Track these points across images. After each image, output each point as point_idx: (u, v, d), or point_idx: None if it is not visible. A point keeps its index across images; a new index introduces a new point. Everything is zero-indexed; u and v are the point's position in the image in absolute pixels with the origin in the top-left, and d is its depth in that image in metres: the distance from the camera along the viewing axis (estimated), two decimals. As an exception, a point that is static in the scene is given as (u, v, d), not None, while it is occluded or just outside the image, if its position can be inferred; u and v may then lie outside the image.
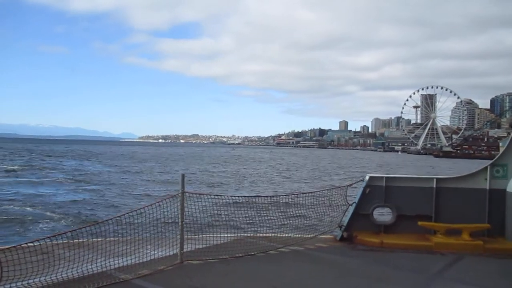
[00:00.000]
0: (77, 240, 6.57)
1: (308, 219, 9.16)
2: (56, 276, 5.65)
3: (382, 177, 9.20)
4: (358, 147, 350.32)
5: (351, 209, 8.95)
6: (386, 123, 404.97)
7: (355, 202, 8.98)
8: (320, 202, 9.17)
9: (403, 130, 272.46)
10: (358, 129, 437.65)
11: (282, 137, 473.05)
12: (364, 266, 7.23)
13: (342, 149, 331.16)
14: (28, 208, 21.17)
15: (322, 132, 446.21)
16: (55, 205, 22.44)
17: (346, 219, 8.93)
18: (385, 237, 8.71)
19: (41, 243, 5.90)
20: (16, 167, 50.13)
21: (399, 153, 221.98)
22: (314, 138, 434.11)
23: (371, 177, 9.13)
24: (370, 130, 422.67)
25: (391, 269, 7.08)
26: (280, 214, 8.77)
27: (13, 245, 5.49)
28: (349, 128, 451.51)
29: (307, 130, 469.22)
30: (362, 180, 9.16)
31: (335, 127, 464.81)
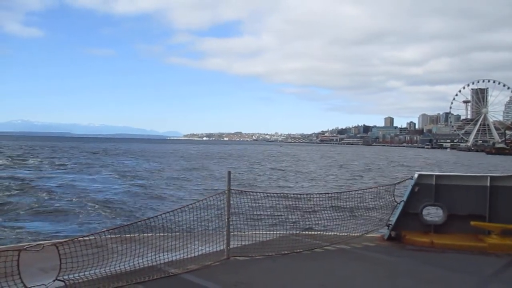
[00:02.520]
0: (128, 235, 6.82)
1: (354, 217, 9.02)
2: (109, 268, 5.89)
3: (432, 175, 8.88)
4: (404, 144, 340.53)
5: (399, 208, 8.73)
6: (434, 119, 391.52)
7: (403, 200, 8.75)
8: (367, 200, 9.02)
9: (452, 126, 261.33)
10: (404, 126, 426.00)
11: (326, 134, 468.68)
12: (413, 267, 7.04)
13: (388, 146, 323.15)
14: (81, 203, 22.12)
15: (366, 128, 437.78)
16: (105, 201, 23.32)
17: (394, 218, 8.72)
18: (435, 237, 8.43)
19: (95, 237, 6.17)
20: (68, 163, 52.60)
21: (448, 150, 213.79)
22: (358, 135, 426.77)
23: (420, 175, 8.85)
24: (417, 127, 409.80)
25: (442, 270, 6.85)
26: (326, 212, 8.68)
27: (70, 239, 5.77)
28: (394, 125, 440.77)
29: (351, 127, 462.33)
30: (411, 178, 8.90)
31: (380, 123, 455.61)
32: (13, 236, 14.65)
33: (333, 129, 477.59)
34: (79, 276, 5.48)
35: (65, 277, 5.31)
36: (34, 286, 5.03)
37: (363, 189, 9.20)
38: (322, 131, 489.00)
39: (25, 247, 5.18)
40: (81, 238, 5.80)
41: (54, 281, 5.23)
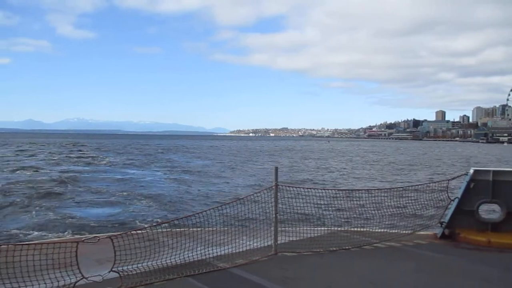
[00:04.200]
0: (178, 229, 6.99)
1: (405, 214, 8.75)
2: (160, 261, 6.06)
3: (489, 170, 8.42)
4: (457, 138, 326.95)
5: (453, 205, 8.36)
6: (489, 112, 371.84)
7: (458, 197, 8.37)
8: (419, 196, 8.72)
9: (510, 119, 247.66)
10: (457, 119, 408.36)
11: (374, 129, 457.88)
12: (469, 266, 6.74)
13: (439, 140, 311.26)
14: (134, 197, 22.92)
15: (416, 123, 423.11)
16: (156, 195, 24.02)
17: (447, 216, 8.37)
18: (493, 236, 8.01)
19: (147, 230, 6.38)
20: (120, 159, 54.69)
21: (505, 144, 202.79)
22: (408, 130, 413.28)
23: (476, 171, 8.42)
24: (470, 120, 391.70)
25: (500, 271, 6.50)
26: (375, 208, 8.48)
27: (124, 232, 5.98)
28: (446, 119, 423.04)
29: (400, 121, 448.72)
30: (466, 174, 8.50)
31: (431, 117, 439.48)
32: (71, 227, 15.44)
33: (381, 124, 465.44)
34: (132, 268, 5.68)
35: (119, 268, 5.52)
36: (91, 276, 5.26)
37: (414, 185, 8.90)
38: (370, 126, 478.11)
39: (83, 239, 5.43)
40: (134, 232, 6.00)
41: (109, 272, 5.44)
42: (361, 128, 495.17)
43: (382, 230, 8.51)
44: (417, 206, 8.66)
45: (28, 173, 35.99)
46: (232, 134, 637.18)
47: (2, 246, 5.46)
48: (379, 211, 8.46)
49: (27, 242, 5.68)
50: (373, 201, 8.44)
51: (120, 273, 5.53)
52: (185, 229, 6.98)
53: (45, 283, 4.98)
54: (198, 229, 7.08)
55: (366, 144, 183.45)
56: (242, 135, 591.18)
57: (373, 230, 8.58)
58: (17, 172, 36.67)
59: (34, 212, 18.27)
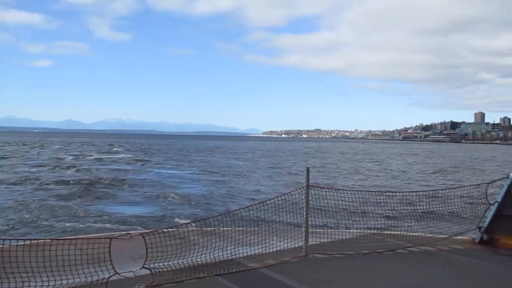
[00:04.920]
0: (208, 228, 7.04)
1: (441, 218, 8.48)
2: (191, 259, 6.11)
3: None
4: (497, 141, 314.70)
5: (492, 209, 8.03)
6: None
7: (497, 201, 8.03)
8: (456, 200, 8.42)
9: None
10: (497, 121, 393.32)
11: (409, 131, 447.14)
12: (508, 273, 6.44)
13: (478, 143, 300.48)
14: (166, 196, 23.31)
15: (454, 125, 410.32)
16: (187, 194, 24.34)
17: (486, 220, 8.03)
18: None
19: (178, 228, 6.45)
20: (154, 159, 55.79)
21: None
22: (445, 132, 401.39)
23: None
24: (511, 122, 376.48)
25: None
26: (409, 211, 8.26)
27: (156, 229, 6.08)
28: (486, 120, 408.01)
29: (436, 123, 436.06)
30: (507, 177, 8.14)
31: (469, 119, 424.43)
32: (105, 223, 15.88)
33: (417, 126, 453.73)
34: (163, 265, 5.75)
35: (151, 265, 5.60)
36: (123, 272, 5.36)
37: (452, 188, 8.59)
38: (405, 127, 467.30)
39: (116, 235, 5.55)
40: (166, 229, 6.09)
41: (141, 268, 5.53)
42: (396, 129, 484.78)
43: (416, 234, 8.27)
44: (454, 209, 8.37)
45: (70, 171, 37.28)
46: (265, 135, 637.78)
47: (40, 240, 5.65)
48: (413, 214, 8.24)
49: (63, 238, 5.87)
50: (407, 203, 8.23)
51: (152, 270, 5.61)
52: (215, 228, 7.01)
53: (79, 278, 5.12)
54: (228, 228, 7.09)
55: (401, 146, 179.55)
56: (275, 136, 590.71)
57: (407, 234, 8.35)
58: (56, 168, 38.06)
59: (73, 208, 18.86)
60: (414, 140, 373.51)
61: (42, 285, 4.87)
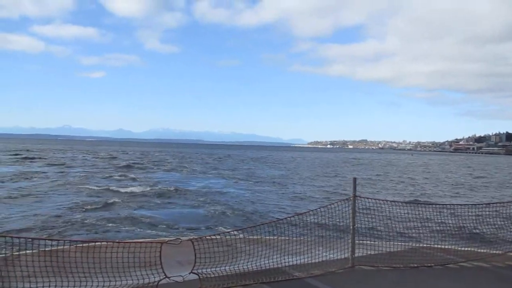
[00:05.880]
0: (254, 237, 7.13)
1: (495, 233, 8.13)
2: (237, 266, 6.22)
3: None
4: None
5: None
6: None
7: None
8: (512, 215, 8.06)
9: None
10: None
11: (460, 143, 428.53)
12: None
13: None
14: (211, 204, 23.68)
15: (509, 136, 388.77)
16: (231, 203, 24.60)
17: None
18: None
19: (226, 236, 6.60)
20: (199, 168, 56.86)
21: None
22: (500, 144, 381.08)
23: None
24: None
25: None
26: (460, 225, 7.98)
27: (204, 236, 6.25)
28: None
29: (490, 134, 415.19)
30: None
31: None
32: (153, 229, 16.38)
33: (469, 137, 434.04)
34: (210, 270, 5.90)
35: (199, 270, 5.76)
36: (173, 276, 5.55)
37: (507, 202, 8.22)
38: (456, 139, 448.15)
39: (167, 240, 5.76)
40: (214, 236, 6.24)
41: (189, 273, 5.71)
42: (447, 141, 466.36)
43: (468, 249, 7.97)
44: (509, 225, 8.01)
45: (123, 178, 38.75)
46: (310, 146, 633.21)
47: (96, 243, 5.96)
48: (464, 228, 7.95)
49: (117, 241, 6.16)
50: (458, 217, 7.96)
51: (200, 275, 5.76)
52: (261, 236, 7.09)
53: (132, 280, 5.36)
54: (274, 237, 7.15)
55: (452, 159, 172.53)
56: (320, 146, 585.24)
57: (458, 248, 8.06)
58: (108, 178, 39.66)
59: (122, 212, 19.57)
60: (466, 152, 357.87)
61: (98, 285, 5.13)
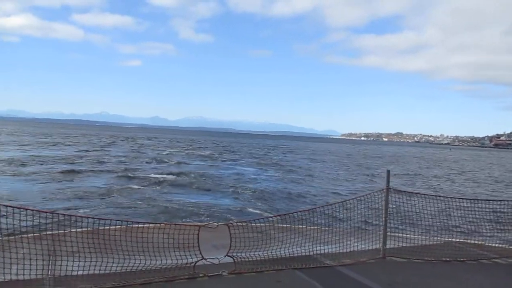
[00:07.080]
0: (287, 225, 7.32)
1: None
2: (271, 252, 6.44)
3: None
4: None
5: None
6: None
7: None
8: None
9: None
10: None
11: (502, 138, 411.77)
12: None
13: None
14: (246, 191, 24.07)
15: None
16: (266, 192, 24.89)
17: None
18: None
19: (259, 222, 6.84)
20: (232, 157, 57.52)
21: None
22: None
23: None
24: None
25: None
26: (495, 221, 7.90)
27: (239, 221, 6.50)
28: None
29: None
30: None
31: None
32: (190, 213, 16.98)
33: (510, 132, 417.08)
34: (245, 255, 6.15)
35: (234, 254, 6.03)
36: (209, 258, 5.85)
37: None
38: (497, 134, 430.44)
39: (204, 224, 6.05)
40: (249, 222, 6.49)
41: (225, 256, 5.98)
42: (487, 136, 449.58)
43: (502, 246, 7.89)
44: None
45: (161, 165, 39.83)
46: (343, 137, 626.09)
47: (139, 225, 6.32)
48: (499, 224, 7.86)
49: (158, 223, 6.52)
50: (493, 212, 7.87)
51: (234, 258, 6.03)
52: (293, 225, 7.27)
53: (171, 260, 5.68)
54: (304, 226, 7.32)
55: (492, 155, 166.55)
56: (354, 138, 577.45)
57: (492, 245, 7.99)
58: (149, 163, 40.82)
59: (160, 198, 20.23)
60: (508, 148, 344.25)
61: (140, 263, 5.48)
